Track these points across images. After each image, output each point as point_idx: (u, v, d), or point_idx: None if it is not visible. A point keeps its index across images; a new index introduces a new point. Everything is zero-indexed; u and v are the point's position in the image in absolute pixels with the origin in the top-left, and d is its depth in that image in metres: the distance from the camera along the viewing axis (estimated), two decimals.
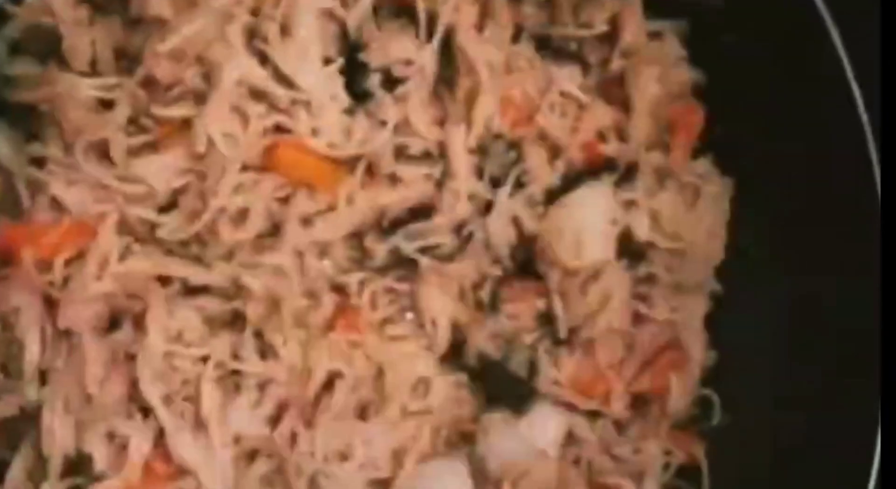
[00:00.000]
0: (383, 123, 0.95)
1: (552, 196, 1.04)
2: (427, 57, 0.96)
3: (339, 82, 0.94)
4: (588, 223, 1.03)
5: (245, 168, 0.91)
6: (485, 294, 1.03)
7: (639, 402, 1.09)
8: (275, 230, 0.94)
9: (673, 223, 1.06)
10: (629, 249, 1.06)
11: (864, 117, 1.01)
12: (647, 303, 1.07)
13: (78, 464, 0.88)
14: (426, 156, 0.99)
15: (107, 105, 0.90)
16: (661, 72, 1.04)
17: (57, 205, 0.88)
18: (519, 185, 1.01)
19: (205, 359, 0.89)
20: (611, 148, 1.05)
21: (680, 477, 1.09)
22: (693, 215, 1.07)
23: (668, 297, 1.08)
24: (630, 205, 1.05)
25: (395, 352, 0.98)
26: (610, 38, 1.04)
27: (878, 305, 0.95)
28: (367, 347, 0.96)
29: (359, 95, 0.96)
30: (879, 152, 1.01)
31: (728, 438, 1.09)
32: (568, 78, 1.04)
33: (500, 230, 1.01)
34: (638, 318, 1.08)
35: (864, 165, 1.02)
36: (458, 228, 1.01)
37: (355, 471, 0.94)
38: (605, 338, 1.06)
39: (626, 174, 1.05)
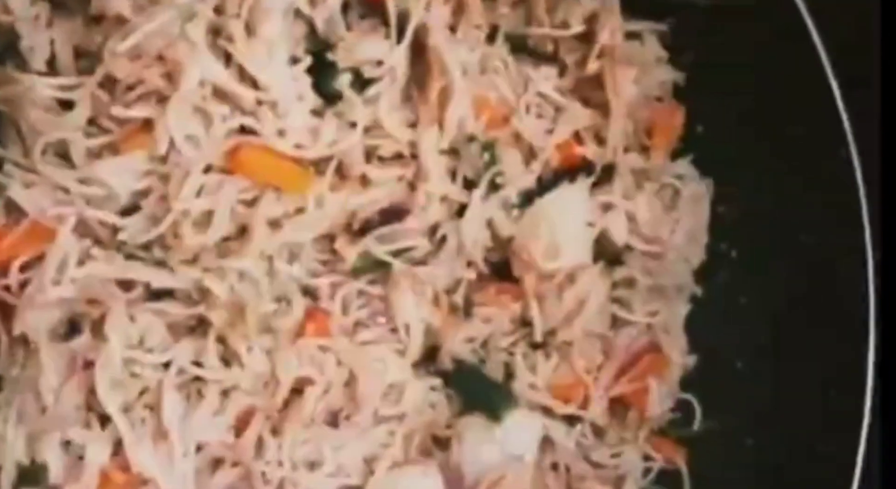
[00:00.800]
0: (353, 125, 0.92)
1: (528, 198, 1.01)
2: (398, 57, 0.93)
3: (306, 82, 0.91)
4: (564, 226, 1.00)
5: (208, 169, 0.88)
6: (459, 297, 1.00)
7: (617, 407, 1.07)
8: (241, 233, 0.91)
9: (651, 226, 1.03)
10: (606, 252, 1.04)
11: (845, 116, 1.00)
12: (625, 306, 1.05)
13: (32, 474, 0.85)
14: (398, 157, 0.96)
15: (66, 105, 0.87)
16: (639, 73, 1.02)
17: (13, 207, 0.85)
18: (493, 187, 0.98)
19: (166, 366, 0.87)
20: (588, 150, 1.02)
21: (660, 483, 1.07)
22: (672, 217, 1.05)
23: (646, 301, 1.05)
24: (607, 207, 1.03)
25: (367, 356, 0.95)
26: (587, 38, 1.01)
27: (867, 306, 0.94)
28: (338, 352, 0.93)
29: (328, 96, 0.92)
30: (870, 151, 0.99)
31: (709, 443, 1.06)
32: (544, 79, 1.01)
33: (473, 233, 0.98)
34: (616, 322, 1.06)
35: (845, 165, 1.00)
36: (432, 231, 0.98)
37: (325, 478, 0.91)
38: (583, 342, 1.03)
39: (604, 176, 1.03)
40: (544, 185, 1.02)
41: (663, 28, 1.03)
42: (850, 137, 0.99)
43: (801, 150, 1.03)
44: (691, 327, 1.09)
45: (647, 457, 1.07)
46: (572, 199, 1.01)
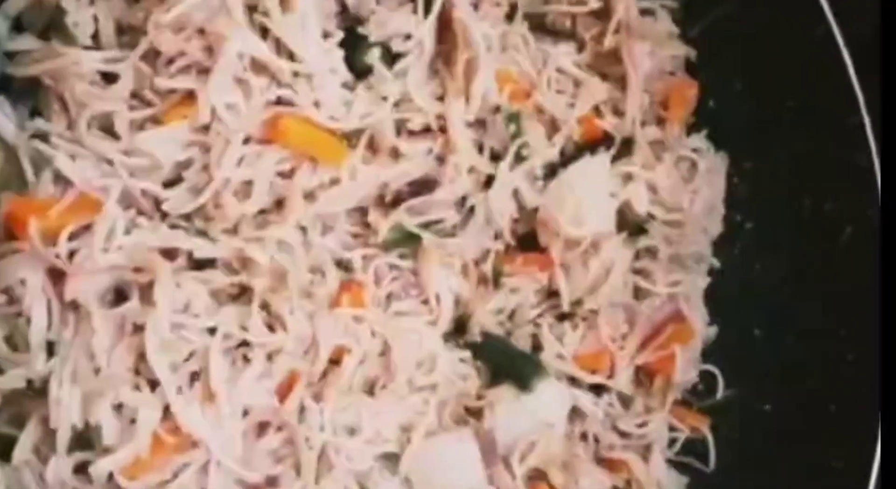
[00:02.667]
0: (384, 98, 0.98)
1: (552, 171, 1.07)
2: (425, 31, 0.99)
3: (338, 55, 0.97)
4: (588, 195, 1.07)
5: (247, 141, 0.93)
6: (487, 268, 1.06)
7: (643, 376, 1.13)
8: (278, 206, 0.96)
9: (671, 195, 1.10)
10: (629, 223, 1.10)
11: (857, 88, 1.04)
12: (648, 278, 1.11)
13: (86, 440, 0.88)
14: (426, 131, 1.02)
15: (110, 79, 0.91)
16: (653, 47, 1.09)
17: (61, 179, 0.89)
18: (519, 158, 1.04)
19: (212, 331, 0.90)
20: (607, 123, 1.09)
21: (686, 452, 1.12)
22: (690, 188, 1.12)
23: (667, 272, 1.12)
24: (628, 178, 1.09)
25: (400, 327, 1.00)
26: (603, 14, 1.08)
27: (878, 275, 0.98)
28: (372, 322, 0.99)
29: (359, 71, 0.98)
30: (880, 124, 1.04)
31: (728, 411, 1.12)
32: (563, 54, 1.08)
33: (501, 203, 1.04)
34: (639, 293, 1.12)
35: (858, 136, 1.05)
36: (460, 203, 1.04)
37: (364, 444, 0.96)
38: (608, 312, 1.09)
39: (624, 149, 1.10)
40: (567, 158, 1.09)
41: (674, 4, 1.10)
42: (862, 105, 1.04)
43: (813, 120, 1.08)
44: (710, 299, 1.15)
45: (672, 428, 1.13)
46: (594, 171, 1.08)
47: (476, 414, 1.05)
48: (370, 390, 0.99)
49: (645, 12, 1.10)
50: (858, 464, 0.97)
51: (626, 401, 1.11)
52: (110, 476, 0.87)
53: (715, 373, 1.13)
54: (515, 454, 1.03)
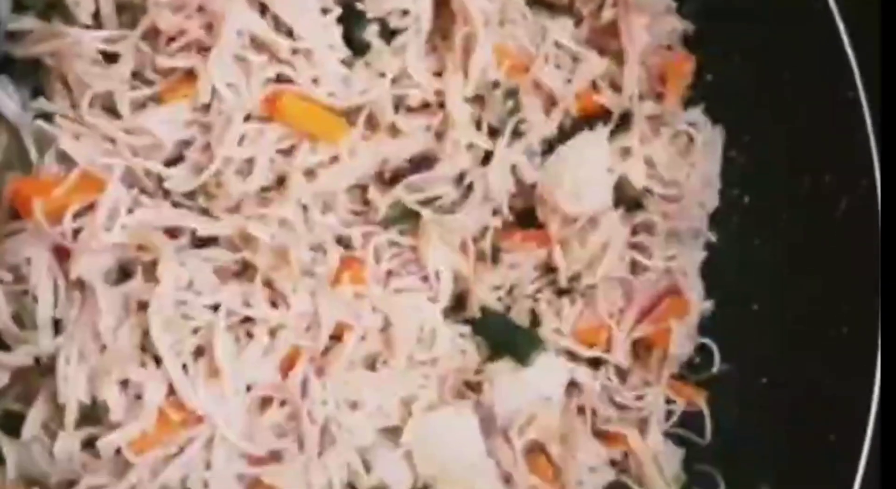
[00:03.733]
0: (382, 75, 1.00)
1: (549, 146, 1.10)
2: (422, 7, 1.01)
3: (336, 32, 0.99)
4: (585, 171, 1.10)
5: (248, 119, 0.95)
6: (486, 244, 1.09)
7: (640, 350, 1.16)
8: (279, 184, 0.99)
9: (668, 169, 1.13)
10: (626, 197, 1.14)
11: (854, 61, 1.06)
12: (644, 252, 1.14)
13: (93, 416, 0.91)
14: (425, 106, 1.04)
15: (110, 58, 0.94)
16: (650, 20, 1.11)
17: (65, 158, 0.91)
18: (517, 134, 1.07)
19: (216, 308, 0.93)
20: (604, 97, 1.11)
21: (683, 426, 1.16)
22: (687, 162, 1.15)
23: (664, 247, 1.15)
24: (626, 153, 1.13)
25: (401, 303, 1.03)
26: None
27: (879, 252, 0.99)
28: (372, 299, 1.02)
29: (357, 48, 1.00)
30: (880, 99, 1.05)
31: (725, 384, 1.15)
32: (561, 29, 1.10)
33: (499, 179, 1.07)
34: (636, 268, 1.15)
35: (855, 110, 1.06)
36: (458, 179, 1.07)
37: (365, 418, 0.99)
38: (605, 287, 1.13)
39: (621, 123, 1.12)
40: (565, 133, 1.11)
41: None
42: (858, 79, 1.05)
43: (811, 94, 1.09)
44: (707, 273, 1.18)
45: (669, 401, 1.17)
46: (592, 146, 1.11)
47: (475, 388, 1.08)
48: (371, 365, 1.02)
49: None
50: (852, 437, 0.99)
51: (623, 375, 1.14)
52: (117, 451, 0.89)
53: (712, 346, 1.15)
54: (514, 427, 1.06)
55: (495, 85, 1.04)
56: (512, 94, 1.05)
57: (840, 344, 1.07)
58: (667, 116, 1.13)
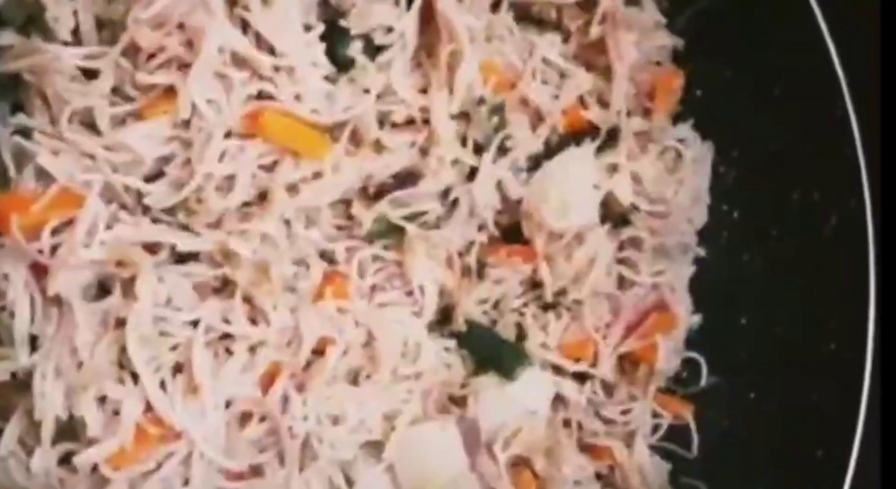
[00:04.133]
0: (366, 91, 0.96)
1: (536, 162, 1.05)
2: (408, 23, 0.97)
3: (319, 49, 0.95)
4: (572, 187, 1.04)
5: (229, 135, 0.91)
6: (471, 259, 1.04)
7: (627, 364, 1.11)
8: (261, 199, 0.95)
9: (655, 186, 1.08)
10: (613, 213, 1.08)
11: (843, 78, 1.03)
12: (632, 268, 1.09)
13: (71, 431, 0.87)
14: (410, 123, 0.99)
15: (90, 74, 0.90)
16: (639, 37, 1.06)
17: (43, 174, 0.88)
18: (502, 150, 1.02)
19: (195, 324, 0.89)
20: (592, 114, 1.07)
21: (668, 439, 1.11)
22: (675, 178, 1.09)
23: (652, 262, 1.09)
24: (612, 169, 1.07)
25: (385, 317, 0.99)
26: (588, 5, 1.05)
27: (868, 267, 0.97)
28: (356, 313, 0.97)
29: (341, 64, 0.96)
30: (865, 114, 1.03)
31: (713, 398, 1.11)
32: (549, 45, 1.05)
33: (485, 195, 1.02)
34: (623, 283, 1.09)
35: (844, 126, 1.03)
36: (444, 195, 1.02)
37: (347, 433, 0.95)
38: (592, 302, 1.08)
39: (609, 140, 1.07)
40: (551, 149, 1.06)
41: None
42: (846, 95, 1.03)
43: (800, 109, 1.06)
44: (696, 287, 1.13)
45: (655, 415, 1.12)
46: (578, 162, 1.06)
47: (460, 402, 1.04)
48: (354, 380, 0.98)
49: (631, 2, 1.07)
50: (839, 452, 0.96)
51: (609, 389, 1.09)
52: (95, 467, 0.86)
53: (699, 360, 1.11)
54: (499, 441, 1.02)
55: (481, 101, 1.00)
56: (497, 110, 1.01)
57: (828, 359, 1.03)
58: (655, 132, 1.08)
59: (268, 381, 0.92)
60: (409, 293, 1.02)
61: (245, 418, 0.92)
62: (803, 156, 1.07)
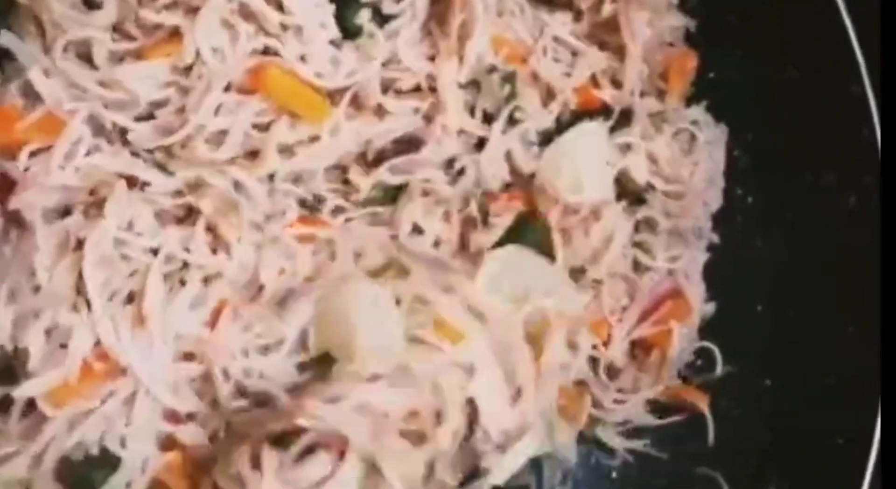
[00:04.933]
0: (372, 58, 0.88)
1: (547, 139, 0.95)
2: None
3: (329, 10, 0.87)
4: (585, 162, 0.93)
5: (228, 89, 0.83)
6: (473, 210, 0.95)
7: (639, 351, 0.97)
8: (250, 156, 0.85)
9: (671, 166, 0.95)
10: (629, 192, 0.96)
11: (860, 56, 0.97)
12: (648, 252, 0.97)
13: (7, 373, 0.77)
14: (416, 90, 0.90)
15: (91, 5, 0.82)
16: (651, 16, 0.96)
17: (30, 92, 0.80)
18: (512, 121, 0.92)
19: (155, 252, 0.79)
20: (605, 93, 0.96)
21: (682, 426, 0.99)
22: (690, 160, 0.96)
23: (667, 247, 0.96)
24: (627, 148, 0.95)
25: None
26: None
27: (878, 252, 0.88)
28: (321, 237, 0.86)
29: (348, 31, 0.88)
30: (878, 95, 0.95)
31: (728, 386, 0.96)
32: (560, 24, 0.97)
33: (493, 165, 0.92)
34: (639, 268, 0.97)
35: (861, 106, 0.92)
36: (448, 166, 0.92)
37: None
38: (609, 283, 0.95)
39: (622, 120, 0.96)
40: (562, 126, 0.95)
41: None
42: (864, 74, 0.95)
43: (815, 90, 0.99)
44: (711, 273, 1.00)
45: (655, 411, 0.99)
46: (592, 137, 0.94)
47: None
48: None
49: None
50: (859, 439, 0.82)
51: (614, 374, 0.97)
52: (29, 408, 0.76)
53: (713, 349, 0.98)
54: None
55: (492, 69, 0.90)
56: (509, 78, 0.91)
57: (846, 345, 0.91)
58: (669, 114, 0.97)
59: (213, 321, 0.80)
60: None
61: (187, 357, 0.80)
62: (819, 137, 0.92)
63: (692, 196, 0.97)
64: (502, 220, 0.91)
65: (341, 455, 0.73)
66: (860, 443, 0.82)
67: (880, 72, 0.87)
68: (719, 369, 0.95)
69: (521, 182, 0.95)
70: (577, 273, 0.94)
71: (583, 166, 0.94)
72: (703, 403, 0.95)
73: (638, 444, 0.98)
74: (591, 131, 0.96)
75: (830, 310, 0.92)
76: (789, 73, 0.96)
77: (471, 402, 0.80)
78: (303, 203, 0.86)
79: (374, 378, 0.77)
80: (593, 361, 0.95)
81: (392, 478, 0.71)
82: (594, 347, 0.93)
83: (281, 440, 0.74)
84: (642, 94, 0.98)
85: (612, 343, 0.96)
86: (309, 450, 0.73)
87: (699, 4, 1.00)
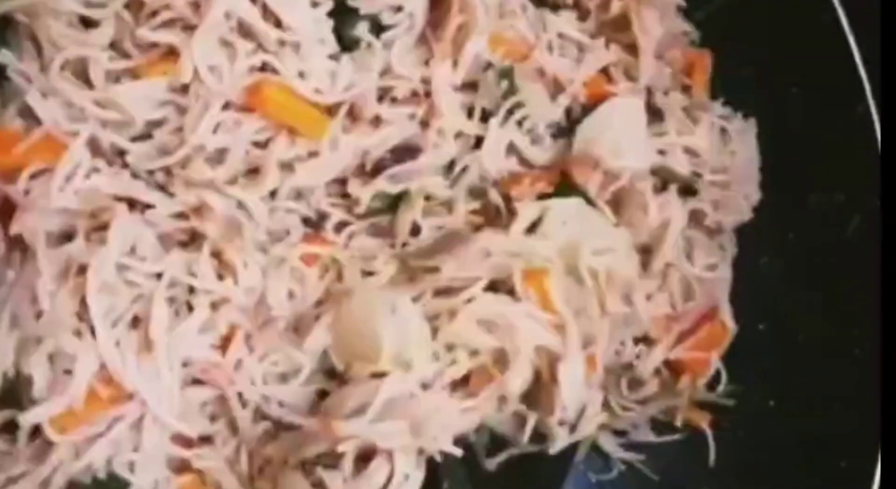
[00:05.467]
0: (369, 70, 0.86)
1: (560, 131, 0.94)
2: (417, 3, 0.87)
3: (327, 26, 0.84)
4: (623, 129, 0.93)
5: (226, 107, 0.81)
6: (495, 197, 0.92)
7: (666, 372, 0.96)
8: (251, 174, 0.83)
9: (712, 156, 0.95)
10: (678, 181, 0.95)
11: (864, 76, 0.95)
12: (689, 257, 0.96)
13: (11, 398, 0.76)
14: (412, 97, 0.88)
15: (88, 24, 0.80)
16: (661, 14, 0.94)
17: (28, 114, 0.79)
18: (511, 115, 0.91)
19: (159, 277, 0.78)
20: (619, 87, 0.95)
21: (687, 444, 0.97)
22: (728, 150, 0.96)
23: (707, 250, 0.96)
24: (664, 148, 0.94)
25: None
26: None
27: (879, 265, 0.86)
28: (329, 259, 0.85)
29: (346, 43, 0.86)
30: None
31: (733, 409, 0.95)
32: (565, 22, 0.94)
33: (496, 160, 0.90)
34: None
35: (865, 125, 0.92)
36: (448, 169, 0.90)
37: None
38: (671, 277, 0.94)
39: (654, 116, 0.96)
40: (573, 120, 0.94)
41: None
42: (868, 94, 0.94)
43: (819, 108, 0.98)
44: None
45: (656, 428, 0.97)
46: (628, 108, 0.94)
47: None
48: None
49: None
50: (863, 462, 0.81)
51: (635, 385, 0.95)
52: (35, 433, 0.74)
53: (719, 367, 0.96)
54: None
55: (488, 66, 0.88)
56: (506, 74, 0.88)
57: (850, 365, 0.90)
58: (696, 107, 0.96)
59: (223, 345, 0.79)
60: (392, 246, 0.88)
61: (198, 383, 0.78)
62: (823, 158, 0.92)
63: (735, 186, 0.97)
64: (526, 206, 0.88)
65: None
66: (863, 467, 0.81)
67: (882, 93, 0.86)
68: (722, 388, 0.92)
69: (561, 159, 0.93)
70: (644, 253, 0.93)
71: (621, 133, 0.92)
72: (704, 422, 0.93)
73: (634, 457, 0.96)
74: (627, 104, 0.95)
75: (835, 330, 0.91)
76: (794, 90, 0.94)
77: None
78: (305, 221, 0.85)
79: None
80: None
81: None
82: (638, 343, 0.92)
83: (326, 459, 0.75)
84: (666, 92, 0.97)
85: (647, 356, 0.95)
86: (362, 459, 0.74)
87: (705, 21, 0.98)
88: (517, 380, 0.80)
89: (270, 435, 0.78)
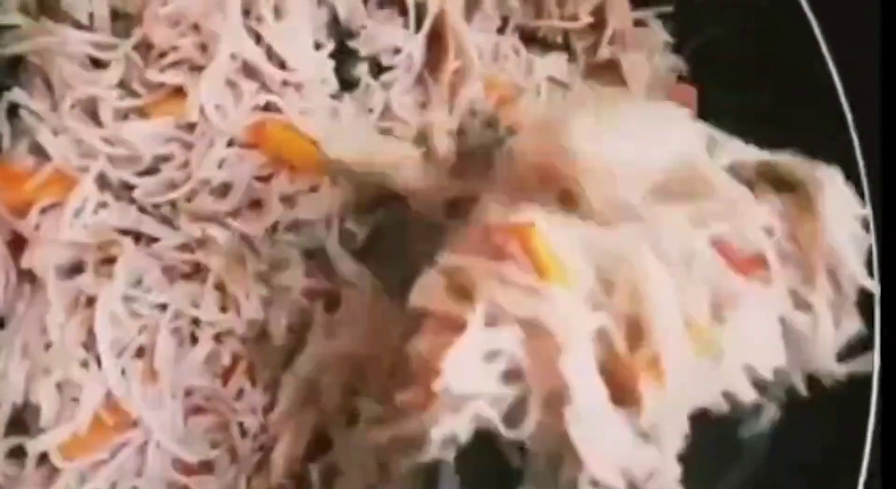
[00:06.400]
0: (370, 110, 0.89)
1: None
2: (416, 45, 0.89)
3: (329, 66, 0.88)
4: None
5: (230, 144, 0.84)
6: None
7: None
8: (253, 206, 0.85)
9: None
10: None
11: (854, 132, 0.96)
12: None
13: (19, 425, 0.77)
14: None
15: (98, 64, 0.83)
16: (649, 56, 0.97)
17: (38, 151, 0.81)
18: None
19: (163, 308, 0.79)
20: None
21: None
22: None
23: None
24: None
25: None
26: (596, 26, 0.97)
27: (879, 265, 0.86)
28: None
29: (346, 83, 0.89)
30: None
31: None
32: (553, 64, 0.96)
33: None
34: None
35: (846, 151, 0.93)
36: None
37: None
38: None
39: None
40: None
41: (668, 10, 0.98)
42: (851, 126, 0.94)
43: (804, 148, 0.99)
44: None
45: None
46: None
47: None
48: None
49: (638, 23, 0.98)
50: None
51: None
52: (42, 459, 0.76)
53: None
54: None
55: (473, 113, 0.90)
56: (493, 122, 0.90)
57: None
58: None
59: (225, 375, 0.81)
60: None
61: (199, 411, 0.80)
62: None
63: None
64: None
65: None
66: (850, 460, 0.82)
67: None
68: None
69: None
70: None
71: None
72: None
73: None
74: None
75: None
76: (778, 121, 0.95)
77: None
78: (306, 253, 0.86)
79: None
80: None
81: None
82: None
83: None
84: None
85: None
86: None
87: (689, 58, 1.00)
88: None
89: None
